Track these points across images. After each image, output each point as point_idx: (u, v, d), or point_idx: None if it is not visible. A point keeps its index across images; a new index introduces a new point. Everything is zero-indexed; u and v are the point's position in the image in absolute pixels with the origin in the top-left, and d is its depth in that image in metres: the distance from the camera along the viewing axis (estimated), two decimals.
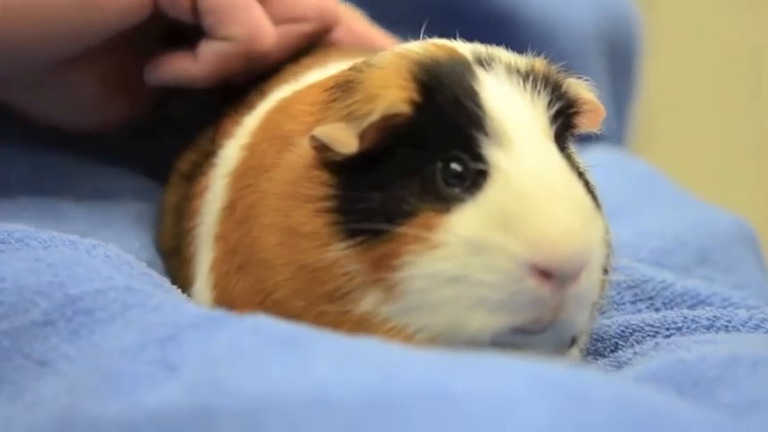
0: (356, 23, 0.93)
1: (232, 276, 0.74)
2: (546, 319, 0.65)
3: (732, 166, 2.53)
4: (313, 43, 0.89)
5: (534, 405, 0.55)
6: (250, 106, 0.82)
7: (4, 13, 0.82)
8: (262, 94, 0.83)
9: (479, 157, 0.67)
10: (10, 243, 0.74)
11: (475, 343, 0.66)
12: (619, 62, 1.22)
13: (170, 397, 0.59)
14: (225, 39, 0.84)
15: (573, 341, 0.70)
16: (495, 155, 0.67)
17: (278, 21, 0.86)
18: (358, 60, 0.75)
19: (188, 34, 0.88)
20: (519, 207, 0.65)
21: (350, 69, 0.73)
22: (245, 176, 0.75)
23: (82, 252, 0.74)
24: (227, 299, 0.75)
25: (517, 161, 0.67)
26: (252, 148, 0.77)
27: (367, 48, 0.90)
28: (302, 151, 0.71)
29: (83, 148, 0.93)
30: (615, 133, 1.23)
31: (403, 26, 1.08)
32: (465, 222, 0.66)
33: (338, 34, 0.90)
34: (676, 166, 2.35)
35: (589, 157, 1.06)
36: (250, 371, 0.59)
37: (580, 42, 1.15)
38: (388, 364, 0.58)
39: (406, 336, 0.67)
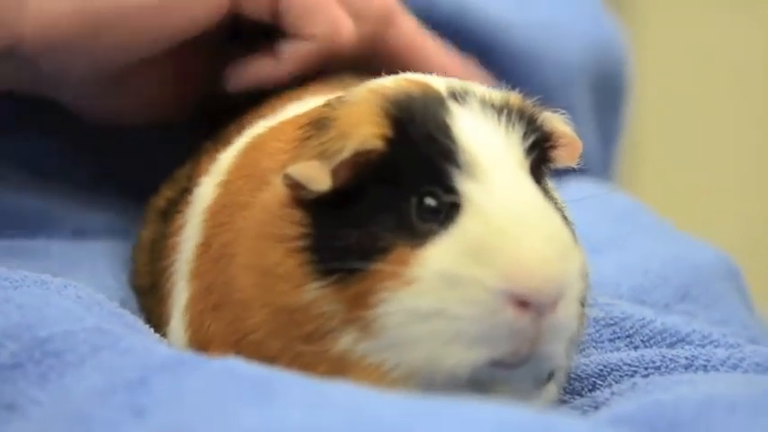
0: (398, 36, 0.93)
1: (207, 315, 0.73)
2: (524, 350, 0.65)
3: (723, 196, 2.53)
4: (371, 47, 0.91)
5: None
6: (227, 142, 0.82)
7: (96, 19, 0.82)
8: (239, 129, 0.82)
9: (452, 190, 0.67)
10: None
11: (452, 378, 0.65)
12: (606, 95, 1.22)
13: None
14: (309, 37, 0.85)
15: (550, 376, 0.70)
16: (467, 187, 0.66)
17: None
18: (332, 96, 0.74)
19: (250, 32, 0.88)
20: (492, 238, 0.65)
21: (324, 106, 0.73)
22: (220, 214, 0.75)
23: (53, 292, 0.73)
24: (201, 338, 0.74)
25: (489, 192, 0.66)
26: (227, 186, 0.76)
27: (414, 61, 0.92)
28: (276, 190, 0.70)
29: (54, 189, 0.92)
30: (601, 166, 1.23)
31: None
32: (439, 256, 0.65)
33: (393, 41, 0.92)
34: (665, 196, 2.36)
35: (571, 191, 1.07)
36: (217, 417, 0.58)
37: (565, 75, 1.15)
38: (358, 410, 0.58)
39: (382, 373, 0.66)
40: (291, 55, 0.87)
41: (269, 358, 0.68)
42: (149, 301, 0.83)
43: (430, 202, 0.67)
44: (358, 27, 0.87)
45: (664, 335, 0.81)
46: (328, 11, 0.85)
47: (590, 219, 0.97)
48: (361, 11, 0.87)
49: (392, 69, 0.76)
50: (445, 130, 0.68)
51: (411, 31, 0.93)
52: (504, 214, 0.66)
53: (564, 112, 0.74)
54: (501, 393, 0.67)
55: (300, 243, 0.68)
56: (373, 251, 0.66)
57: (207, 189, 0.78)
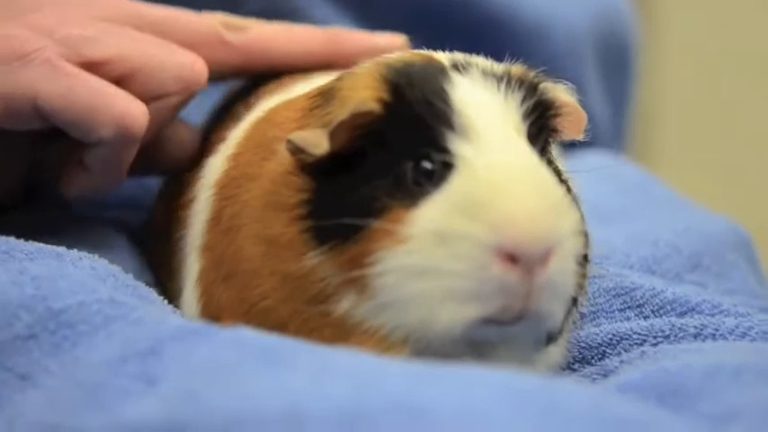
0: (237, 36, 0.87)
1: (218, 286, 0.74)
2: (516, 307, 0.65)
3: (740, 170, 2.52)
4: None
5: (504, 418, 0.55)
6: (236, 119, 0.83)
7: None
8: (247, 106, 0.83)
9: (446, 152, 0.67)
10: None
11: (448, 337, 0.66)
12: (614, 63, 1.22)
13: (149, 411, 0.59)
14: (99, 141, 0.78)
15: (550, 339, 0.71)
16: (461, 148, 0.67)
17: (144, 99, 0.79)
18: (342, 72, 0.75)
19: None
20: (482, 194, 0.65)
21: (334, 79, 0.74)
22: (229, 186, 0.76)
23: (67, 264, 0.74)
24: (213, 309, 0.75)
25: (482, 152, 0.67)
26: (236, 158, 0.77)
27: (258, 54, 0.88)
28: (282, 159, 0.71)
29: None
30: (612, 134, 1.23)
31: (396, 33, 1.09)
32: (430, 214, 0.66)
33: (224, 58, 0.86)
34: (684, 168, 2.36)
35: (582, 162, 1.07)
36: (227, 384, 0.59)
37: (574, 43, 1.15)
38: (362, 376, 0.59)
39: (381, 337, 0.67)
40: (95, 165, 0.80)
41: (278, 324, 0.69)
42: (163, 273, 0.84)
43: (425, 164, 0.68)
44: (163, 104, 0.81)
45: (674, 304, 0.81)
46: (110, 109, 0.77)
47: (601, 190, 0.98)
48: (160, 90, 0.81)
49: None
50: (442, 95, 0.69)
51: (248, 42, 0.87)
52: (495, 172, 0.66)
53: (568, 83, 0.74)
54: (501, 357, 0.68)
55: (302, 210, 0.69)
56: (369, 212, 0.67)
57: (217, 163, 0.79)
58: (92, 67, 0.78)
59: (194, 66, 0.82)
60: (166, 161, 0.86)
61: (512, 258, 0.64)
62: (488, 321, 0.66)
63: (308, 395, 0.57)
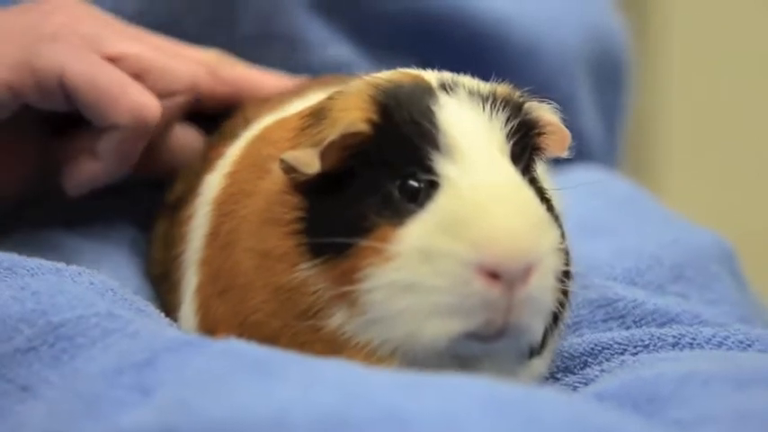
0: (229, 71, 0.94)
1: (214, 300, 0.77)
2: (498, 321, 0.68)
3: (745, 176, 2.53)
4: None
5: (485, 428, 0.57)
6: (233, 136, 0.86)
7: None
8: (245, 123, 0.86)
9: (432, 171, 0.70)
10: None
11: (433, 351, 0.69)
12: (607, 79, 1.24)
13: (143, 420, 0.62)
14: (113, 127, 0.85)
15: (533, 352, 0.73)
16: (446, 168, 0.70)
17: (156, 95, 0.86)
18: (334, 90, 0.78)
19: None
20: (465, 213, 0.68)
21: (326, 98, 0.77)
22: (227, 203, 0.79)
23: (67, 279, 0.77)
24: (209, 322, 0.78)
25: (466, 172, 0.70)
26: (233, 176, 0.80)
27: (247, 91, 0.94)
28: (276, 177, 0.74)
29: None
30: (605, 150, 1.26)
31: (390, 52, 1.12)
32: (416, 232, 0.69)
33: (209, 88, 0.92)
34: (688, 176, 2.37)
35: (573, 177, 1.10)
36: (218, 393, 0.62)
37: (565, 60, 1.17)
38: (349, 386, 0.61)
39: (370, 350, 0.70)
40: (107, 152, 0.86)
41: (270, 338, 0.72)
42: (163, 288, 0.87)
43: (412, 182, 0.70)
44: (171, 102, 0.88)
45: (654, 315, 0.84)
46: (123, 97, 0.84)
47: (590, 204, 1.01)
48: (171, 87, 0.88)
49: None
50: (428, 116, 0.72)
51: (232, 74, 0.94)
52: (477, 191, 0.69)
53: (560, 100, 0.77)
54: (485, 370, 0.71)
55: (296, 226, 0.72)
56: (359, 230, 0.70)
57: (215, 180, 0.82)
58: (109, 61, 0.85)
59: (198, 71, 0.89)
60: (172, 160, 0.92)
61: (493, 275, 0.67)
62: (472, 336, 0.68)
63: (296, 403, 0.60)
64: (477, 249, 0.67)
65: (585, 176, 1.10)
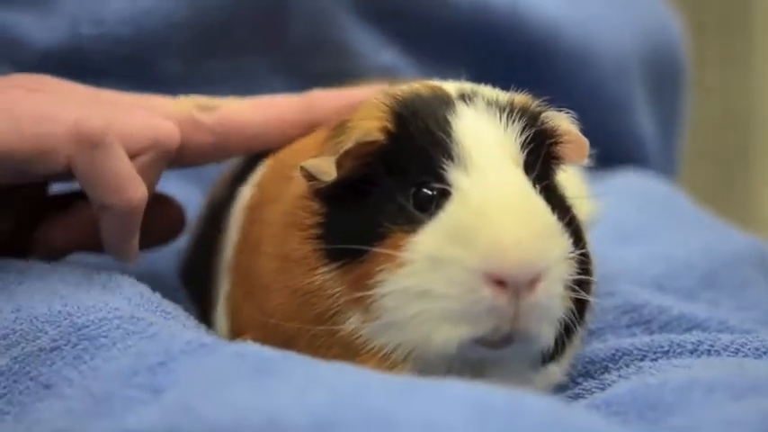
0: (207, 117, 0.87)
1: (242, 304, 0.80)
2: (505, 328, 0.69)
3: None
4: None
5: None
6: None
7: None
8: None
9: (444, 180, 0.72)
10: (31, 277, 0.81)
11: (443, 357, 0.70)
12: (664, 84, 1.24)
13: (147, 420, 0.64)
14: (109, 207, 0.81)
15: (547, 358, 0.75)
16: (458, 177, 0.72)
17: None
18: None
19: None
20: (472, 221, 0.70)
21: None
22: (255, 210, 0.82)
23: (96, 284, 0.80)
24: (238, 326, 0.81)
25: (476, 181, 0.71)
26: (263, 185, 0.83)
27: (234, 134, 0.87)
28: (299, 182, 0.76)
29: None
30: (661, 154, 1.25)
31: (440, 60, 1.13)
32: (427, 240, 0.71)
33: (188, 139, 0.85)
34: None
35: (612, 182, 1.10)
36: (220, 396, 0.64)
37: (618, 65, 1.18)
38: (342, 390, 0.63)
39: (384, 355, 0.72)
40: (109, 229, 0.82)
41: (289, 340, 0.74)
42: (198, 291, 0.91)
43: (425, 191, 0.72)
44: (140, 162, 0.81)
45: (680, 321, 0.84)
46: (112, 181, 0.79)
47: (626, 210, 1.01)
48: (133, 148, 0.81)
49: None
50: (444, 126, 0.73)
51: (232, 115, 0.87)
52: (486, 199, 0.70)
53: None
54: (498, 376, 0.72)
55: (315, 231, 0.74)
56: (374, 237, 0.72)
57: (246, 190, 0.85)
58: None
59: (163, 126, 0.84)
60: (156, 236, 0.90)
61: (500, 283, 0.68)
62: (480, 342, 0.70)
63: (290, 406, 0.61)
64: (484, 258, 0.69)
65: (625, 182, 1.10)
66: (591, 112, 1.15)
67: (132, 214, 0.81)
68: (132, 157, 0.81)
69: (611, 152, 1.16)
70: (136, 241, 0.83)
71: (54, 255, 0.88)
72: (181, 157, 0.85)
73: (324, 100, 0.87)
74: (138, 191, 0.80)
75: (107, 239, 0.83)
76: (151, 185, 0.83)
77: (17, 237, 0.89)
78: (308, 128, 0.86)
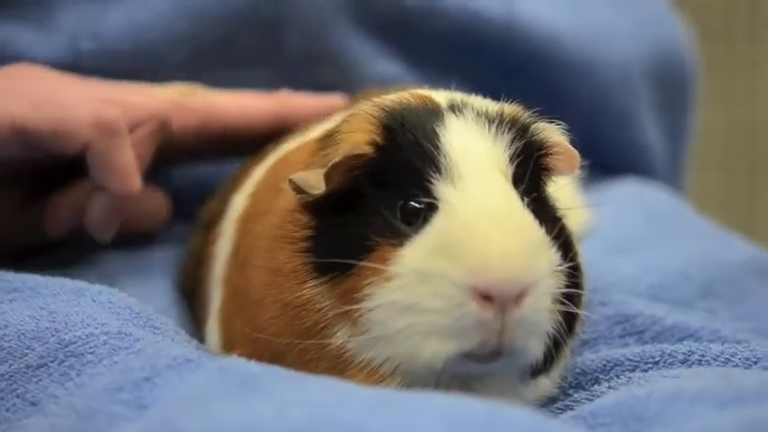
0: (194, 100, 0.96)
1: (234, 317, 0.80)
2: (492, 342, 0.69)
3: None
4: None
5: None
6: (263, 158, 0.89)
7: None
8: (275, 147, 0.89)
9: (432, 194, 0.71)
10: (23, 291, 0.82)
11: (431, 371, 0.70)
12: (671, 95, 1.23)
13: None
14: (106, 188, 0.89)
15: (536, 371, 0.74)
16: (445, 191, 0.71)
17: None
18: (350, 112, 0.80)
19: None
20: (459, 235, 0.69)
21: (340, 121, 0.79)
22: (247, 222, 0.82)
23: (87, 298, 0.80)
24: (230, 339, 0.81)
25: (463, 195, 0.71)
26: (255, 196, 0.83)
27: (218, 117, 0.96)
28: (289, 196, 0.76)
29: None
30: (669, 164, 1.24)
31: (440, 70, 1.13)
32: (413, 254, 0.70)
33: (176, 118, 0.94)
34: None
35: (613, 192, 1.10)
36: (200, 412, 0.64)
37: (622, 75, 1.17)
38: (324, 404, 0.63)
39: (372, 369, 0.72)
40: (97, 208, 0.91)
41: (278, 354, 0.74)
42: (194, 303, 0.91)
43: (413, 204, 0.72)
44: (135, 135, 0.90)
45: (673, 331, 0.83)
46: (122, 169, 0.88)
47: (626, 220, 1.01)
48: (133, 119, 0.91)
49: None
50: (432, 138, 0.73)
51: (198, 104, 0.96)
52: (472, 213, 0.70)
53: (560, 122, 0.77)
54: (487, 390, 0.72)
55: (304, 244, 0.74)
56: (362, 250, 0.72)
57: (240, 201, 0.85)
58: None
59: (160, 104, 0.93)
60: (140, 224, 0.97)
61: (487, 297, 0.68)
62: (468, 356, 0.69)
63: (269, 422, 0.61)
64: (470, 272, 0.68)
65: (626, 192, 1.09)
66: (596, 122, 1.15)
67: (127, 200, 0.89)
68: (133, 128, 0.90)
69: (617, 163, 1.16)
70: (117, 222, 0.91)
71: (63, 225, 0.94)
72: (169, 142, 0.93)
73: (293, 103, 0.96)
74: (137, 181, 0.89)
75: (93, 214, 0.90)
76: (145, 162, 0.91)
77: (28, 212, 0.95)
78: (278, 125, 0.95)
